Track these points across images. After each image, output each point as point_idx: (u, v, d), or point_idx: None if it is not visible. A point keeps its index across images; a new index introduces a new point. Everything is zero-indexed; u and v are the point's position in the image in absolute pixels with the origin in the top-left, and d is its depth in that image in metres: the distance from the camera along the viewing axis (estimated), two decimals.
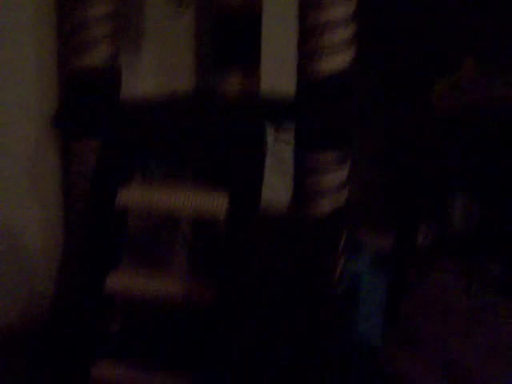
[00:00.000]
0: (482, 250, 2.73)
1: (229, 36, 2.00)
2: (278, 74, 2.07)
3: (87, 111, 1.80)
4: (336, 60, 1.64)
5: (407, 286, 2.29)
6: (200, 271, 2.06)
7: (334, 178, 1.70)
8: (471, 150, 2.17)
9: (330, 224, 1.68)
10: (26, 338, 1.90)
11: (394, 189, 2.48)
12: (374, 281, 1.91)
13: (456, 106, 2.19)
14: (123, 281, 1.64)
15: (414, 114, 2.39)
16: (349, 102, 1.70)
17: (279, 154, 1.86)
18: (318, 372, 1.40)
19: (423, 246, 2.63)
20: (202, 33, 2.15)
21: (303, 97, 1.71)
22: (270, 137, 1.87)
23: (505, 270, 2.60)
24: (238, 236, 1.56)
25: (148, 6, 2.05)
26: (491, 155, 2.16)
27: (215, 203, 1.59)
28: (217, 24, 2.02)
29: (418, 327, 2.15)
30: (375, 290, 1.92)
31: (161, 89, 2.05)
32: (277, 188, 2.00)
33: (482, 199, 2.90)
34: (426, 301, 2.37)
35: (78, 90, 1.79)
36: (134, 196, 1.66)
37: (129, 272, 1.67)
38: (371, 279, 1.89)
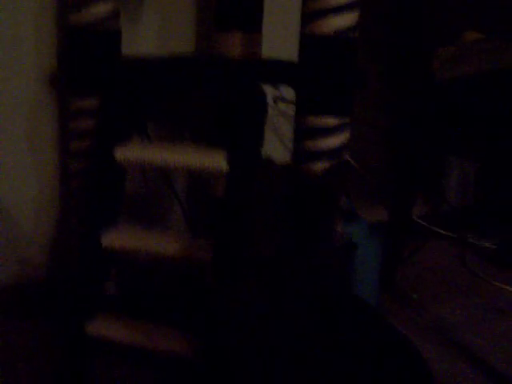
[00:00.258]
0: (476, 224, 2.74)
1: None
2: (280, 38, 2.06)
3: (86, 69, 1.78)
4: (340, 22, 1.63)
5: (403, 253, 2.30)
6: (198, 230, 2.06)
7: (334, 142, 1.70)
8: (471, 121, 2.17)
9: (328, 182, 1.68)
10: (20, 301, 1.90)
11: (392, 160, 2.48)
12: (370, 246, 1.92)
13: (456, 75, 2.18)
14: (121, 239, 1.63)
15: (414, 84, 2.38)
16: (351, 64, 1.69)
17: (278, 116, 1.86)
18: (317, 327, 1.41)
19: (419, 217, 2.64)
20: None
21: (305, 59, 1.70)
22: (270, 98, 1.86)
23: (500, 246, 2.61)
24: (237, 195, 1.56)
25: None
26: (491, 125, 2.16)
27: (214, 162, 1.58)
28: None
29: (413, 292, 2.17)
30: (371, 256, 1.92)
31: (161, 51, 2.03)
32: (275, 150, 2.00)
33: (477, 174, 2.92)
34: (422, 267, 2.39)
35: (76, 48, 1.78)
36: (132, 155, 1.65)
37: (126, 230, 1.67)
38: (367, 244, 1.90)
